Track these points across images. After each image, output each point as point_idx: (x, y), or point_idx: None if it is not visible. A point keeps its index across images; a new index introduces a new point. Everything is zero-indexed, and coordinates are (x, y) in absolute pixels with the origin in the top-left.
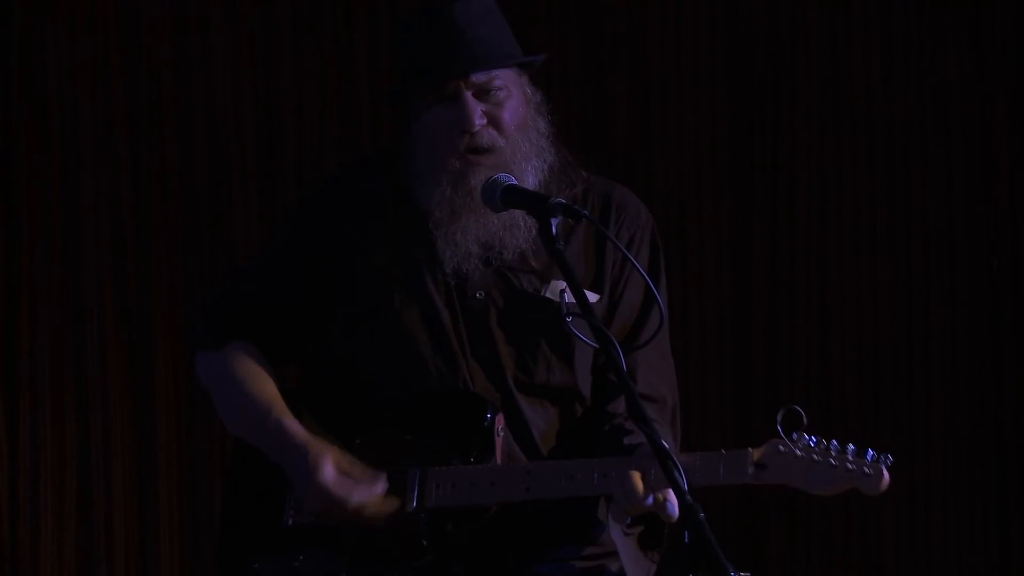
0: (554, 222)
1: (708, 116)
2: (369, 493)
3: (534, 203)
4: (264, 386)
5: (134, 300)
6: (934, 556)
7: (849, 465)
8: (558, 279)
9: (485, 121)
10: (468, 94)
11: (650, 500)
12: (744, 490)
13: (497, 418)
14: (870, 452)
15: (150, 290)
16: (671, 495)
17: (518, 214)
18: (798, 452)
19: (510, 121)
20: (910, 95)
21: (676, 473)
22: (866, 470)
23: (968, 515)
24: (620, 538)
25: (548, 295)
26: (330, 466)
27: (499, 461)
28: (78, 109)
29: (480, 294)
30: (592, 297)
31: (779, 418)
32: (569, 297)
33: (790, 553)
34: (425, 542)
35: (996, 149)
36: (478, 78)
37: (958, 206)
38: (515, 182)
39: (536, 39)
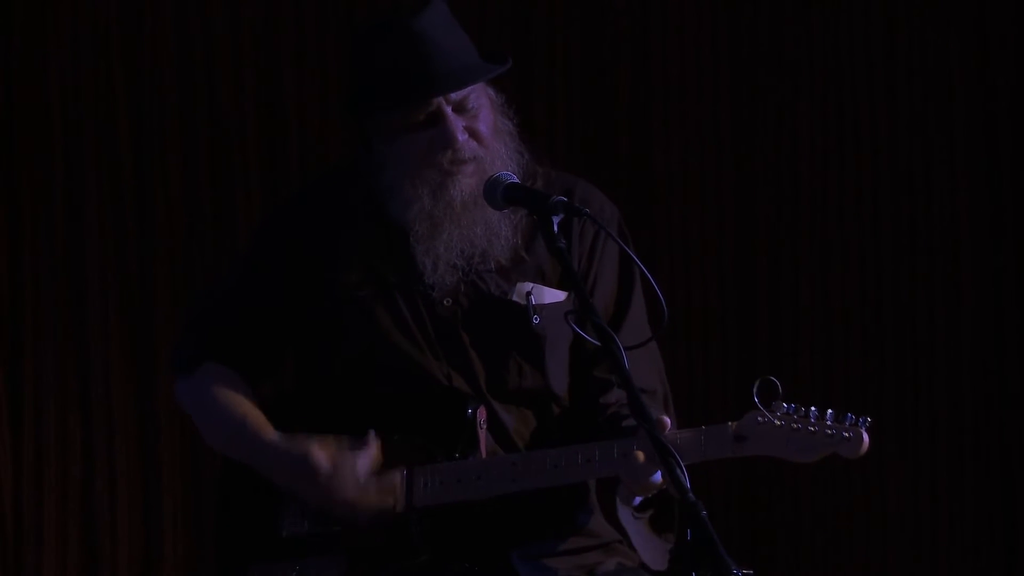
0: (555, 219)
1: (710, 111)
2: (364, 457)
3: (535, 201)
4: (238, 403)
5: (137, 298)
6: (938, 554)
7: (828, 431)
8: (524, 281)
9: (466, 136)
10: (449, 110)
11: (657, 477)
12: (747, 486)
13: (479, 411)
14: (849, 416)
15: (152, 288)
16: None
17: (500, 223)
18: (777, 421)
19: (486, 131)
20: (913, 88)
21: (679, 471)
22: (845, 434)
23: (972, 513)
24: (631, 523)
25: (515, 298)
26: (316, 450)
27: (483, 454)
28: (80, 108)
29: (448, 301)
30: (560, 295)
31: (755, 389)
32: (535, 299)
33: (793, 551)
34: (418, 542)
35: (1000, 144)
36: (457, 94)
37: (962, 202)
38: (516, 180)
39: (537, 36)
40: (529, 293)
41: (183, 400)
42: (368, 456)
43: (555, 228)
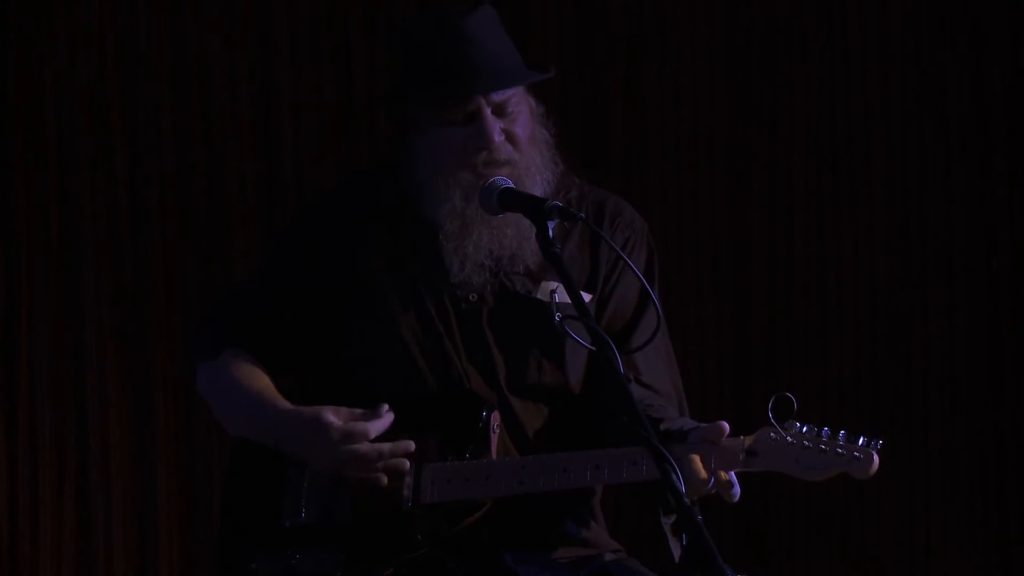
0: (551, 225)
1: (705, 117)
2: (377, 421)
3: (531, 206)
4: (256, 380)
5: (132, 301)
6: (933, 557)
7: (839, 450)
8: (549, 280)
9: (503, 138)
10: (488, 111)
11: (712, 482)
12: (743, 491)
13: (492, 415)
14: (862, 438)
15: (148, 291)
16: (733, 476)
17: (531, 227)
18: (789, 439)
19: (523, 135)
20: (907, 94)
21: (673, 476)
22: (856, 454)
23: (967, 515)
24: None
25: (539, 296)
26: (330, 414)
27: (494, 457)
28: (75, 116)
29: (473, 296)
30: (585, 297)
31: (770, 405)
32: (560, 297)
33: (789, 554)
34: (419, 536)
35: (994, 147)
36: (497, 96)
37: (956, 206)
38: (512, 185)
39: (533, 40)
40: (554, 291)
41: (203, 385)
42: (381, 422)
43: (550, 233)
